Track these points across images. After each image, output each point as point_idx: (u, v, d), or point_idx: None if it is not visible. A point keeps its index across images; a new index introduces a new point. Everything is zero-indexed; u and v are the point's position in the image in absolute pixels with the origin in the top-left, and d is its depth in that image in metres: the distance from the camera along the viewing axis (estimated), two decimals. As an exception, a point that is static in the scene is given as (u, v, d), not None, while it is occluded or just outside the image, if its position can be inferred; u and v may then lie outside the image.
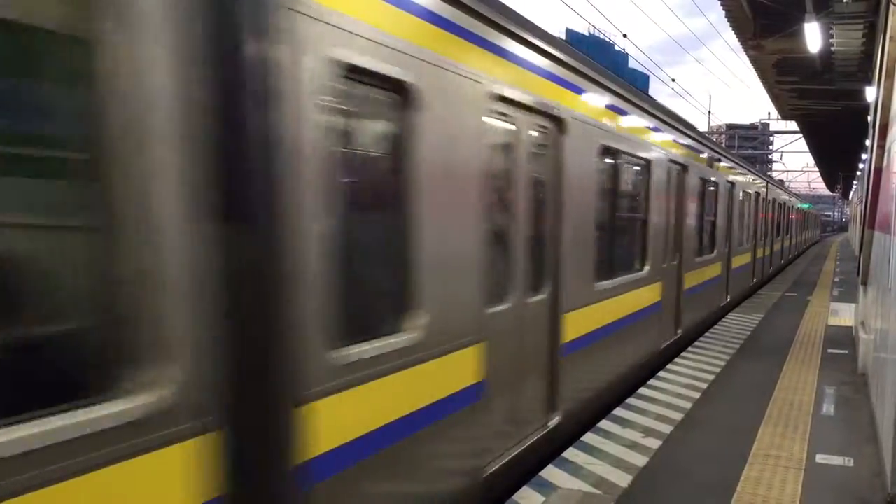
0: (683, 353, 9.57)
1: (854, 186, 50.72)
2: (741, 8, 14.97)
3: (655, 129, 8.62)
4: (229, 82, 2.58)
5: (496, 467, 4.79)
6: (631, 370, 7.89)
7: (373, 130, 3.78)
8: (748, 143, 63.93)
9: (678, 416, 6.67)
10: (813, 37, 12.24)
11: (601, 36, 49.26)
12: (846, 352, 9.87)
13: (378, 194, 3.82)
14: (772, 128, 60.70)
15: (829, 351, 9.95)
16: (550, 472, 5.19)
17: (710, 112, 47.75)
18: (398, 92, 3.67)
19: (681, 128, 10.05)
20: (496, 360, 4.73)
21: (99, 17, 2.20)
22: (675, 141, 9.61)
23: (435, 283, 3.99)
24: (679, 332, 10.14)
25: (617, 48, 46.63)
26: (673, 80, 29.14)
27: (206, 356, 2.52)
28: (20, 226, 2.20)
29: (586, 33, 48.01)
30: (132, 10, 2.26)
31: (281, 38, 2.80)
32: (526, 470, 5.26)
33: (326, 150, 3.13)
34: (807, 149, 41.37)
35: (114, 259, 2.30)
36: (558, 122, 5.62)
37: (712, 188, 12.25)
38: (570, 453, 5.60)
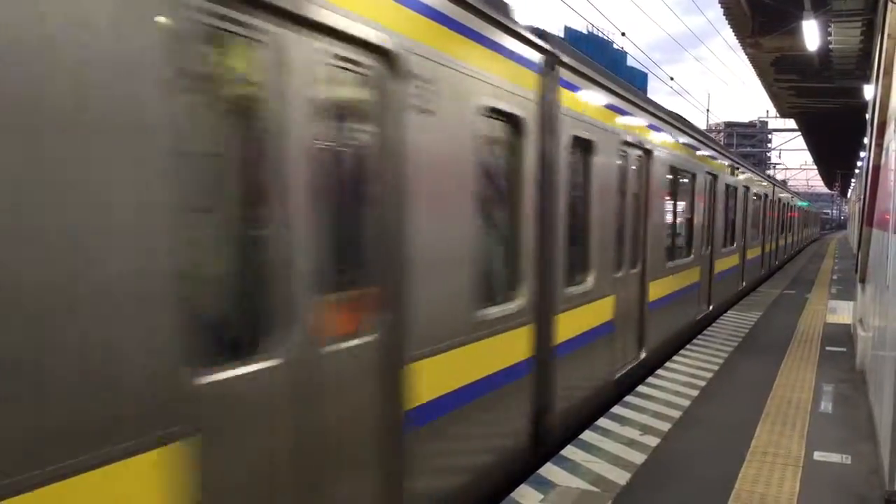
0: (682, 351, 9.60)
1: (852, 184, 50.75)
2: (739, 5, 14.97)
3: (698, 150, 11.39)
4: (543, 154, 5.41)
5: (618, 376, 7.52)
6: (681, 330, 10.49)
7: (582, 169, 6.47)
8: (746, 141, 64.01)
9: (676, 414, 6.68)
10: (811, 34, 12.25)
11: (600, 34, 49.22)
12: (844, 349, 9.88)
13: (581, 207, 6.45)
14: (770, 126, 60.79)
15: (828, 348, 9.96)
16: (549, 470, 5.19)
17: (708, 110, 47.74)
18: (589, 146, 6.47)
19: (713, 146, 13.06)
20: (618, 308, 7.38)
21: (520, 139, 5.10)
22: (709, 157, 12.26)
23: (597, 256, 6.71)
24: (710, 307, 12.66)
25: (615, 46, 46.58)
26: (671, 79, 29.13)
27: (531, 287, 5.27)
28: (492, 233, 4.94)
29: (585, 31, 47.94)
30: (523, 136, 5.10)
31: (558, 128, 5.64)
32: (630, 383, 7.85)
33: (568, 184, 5.94)
34: (805, 147, 41.42)
35: (510, 246, 5.10)
36: (648, 152, 8.34)
37: (733, 192, 14.76)
38: (569, 451, 5.60)
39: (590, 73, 6.39)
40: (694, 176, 10.96)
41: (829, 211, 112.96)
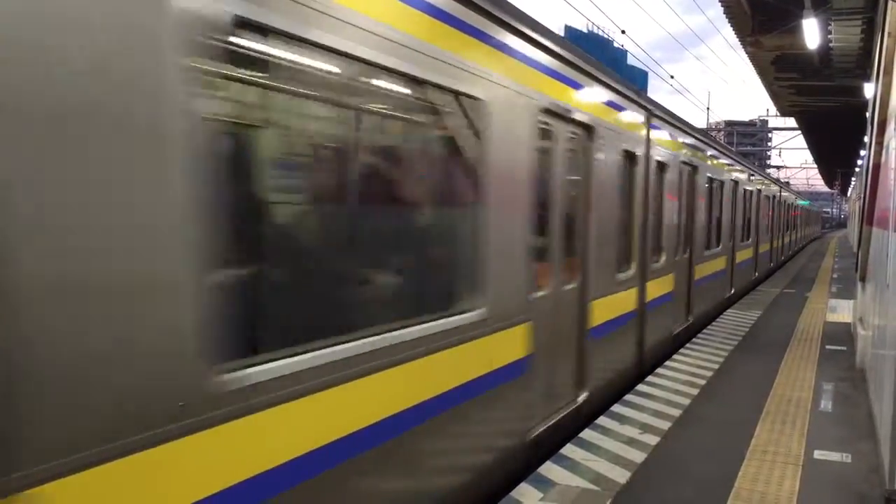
0: (681, 350, 9.60)
1: (852, 183, 50.69)
2: (739, 4, 14.96)
3: (725, 162, 14.30)
4: (644, 175, 8.37)
5: (675, 332, 10.20)
6: (715, 305, 13.39)
7: (658, 183, 9.04)
8: (747, 140, 63.92)
9: (676, 413, 6.67)
10: (811, 33, 12.24)
11: (600, 32, 49.12)
12: (844, 348, 9.87)
13: (657, 208, 9.08)
14: (770, 124, 60.69)
15: (828, 347, 9.96)
16: (548, 469, 5.18)
17: (708, 109, 47.73)
18: (663, 167, 9.18)
19: (735, 158, 16.06)
20: (676, 282, 10.06)
21: (635, 166, 8.07)
22: (732, 167, 15.08)
23: (666, 242, 9.41)
24: (732, 290, 15.42)
25: (616, 45, 46.55)
26: (672, 77, 29.13)
27: (638, 261, 8.10)
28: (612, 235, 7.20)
29: (585, 30, 47.85)
30: (637, 164, 8.11)
31: (650, 157, 8.61)
32: (685, 337, 10.59)
33: (654, 193, 8.70)
34: (805, 145, 41.37)
35: (629, 233, 7.88)
36: (695, 168, 11.24)
37: (749, 195, 17.60)
38: (569, 449, 5.60)
39: (665, 118, 9.41)
40: (723, 183, 13.82)
41: (829, 210, 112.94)
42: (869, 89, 12.00)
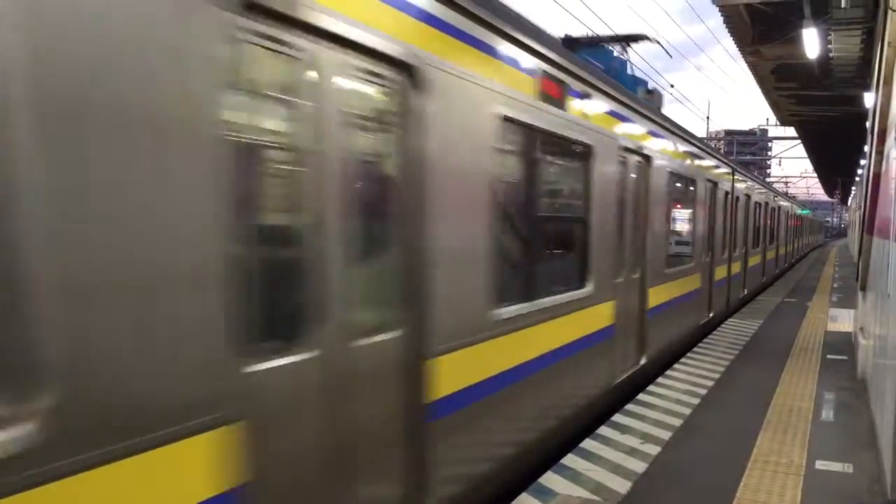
0: (682, 360, 9.59)
1: (853, 192, 50.73)
2: (740, 14, 14.99)
3: (769, 194, 21.15)
4: (734, 204, 15.28)
5: (740, 297, 16.51)
6: (755, 287, 18.93)
7: (743, 209, 16.59)
8: (746, 149, 63.92)
9: (677, 422, 6.66)
10: (811, 43, 12.28)
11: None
12: (845, 357, 9.85)
13: (744, 220, 16.87)
14: (770, 134, 60.71)
15: (829, 357, 9.94)
16: (549, 478, 5.17)
17: (708, 118, 47.88)
18: (737, 200, 15.70)
19: (769, 186, 23.62)
20: (740, 268, 16.48)
21: (728, 200, 14.77)
22: (769, 193, 22.00)
23: (738, 243, 16.08)
24: (764, 278, 21.12)
25: (616, 54, 46.68)
26: (672, 86, 29.21)
27: (734, 247, 15.67)
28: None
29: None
30: (728, 199, 14.76)
31: (734, 194, 15.27)
32: (743, 302, 16.75)
33: (743, 215, 16.74)
34: (805, 154, 41.43)
35: (734, 232, 15.59)
36: (748, 197, 17.30)
37: (773, 211, 23.44)
38: (569, 459, 5.59)
39: (739, 169, 15.53)
40: (760, 204, 19.69)
41: (829, 219, 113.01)
42: (869, 99, 12.03)
